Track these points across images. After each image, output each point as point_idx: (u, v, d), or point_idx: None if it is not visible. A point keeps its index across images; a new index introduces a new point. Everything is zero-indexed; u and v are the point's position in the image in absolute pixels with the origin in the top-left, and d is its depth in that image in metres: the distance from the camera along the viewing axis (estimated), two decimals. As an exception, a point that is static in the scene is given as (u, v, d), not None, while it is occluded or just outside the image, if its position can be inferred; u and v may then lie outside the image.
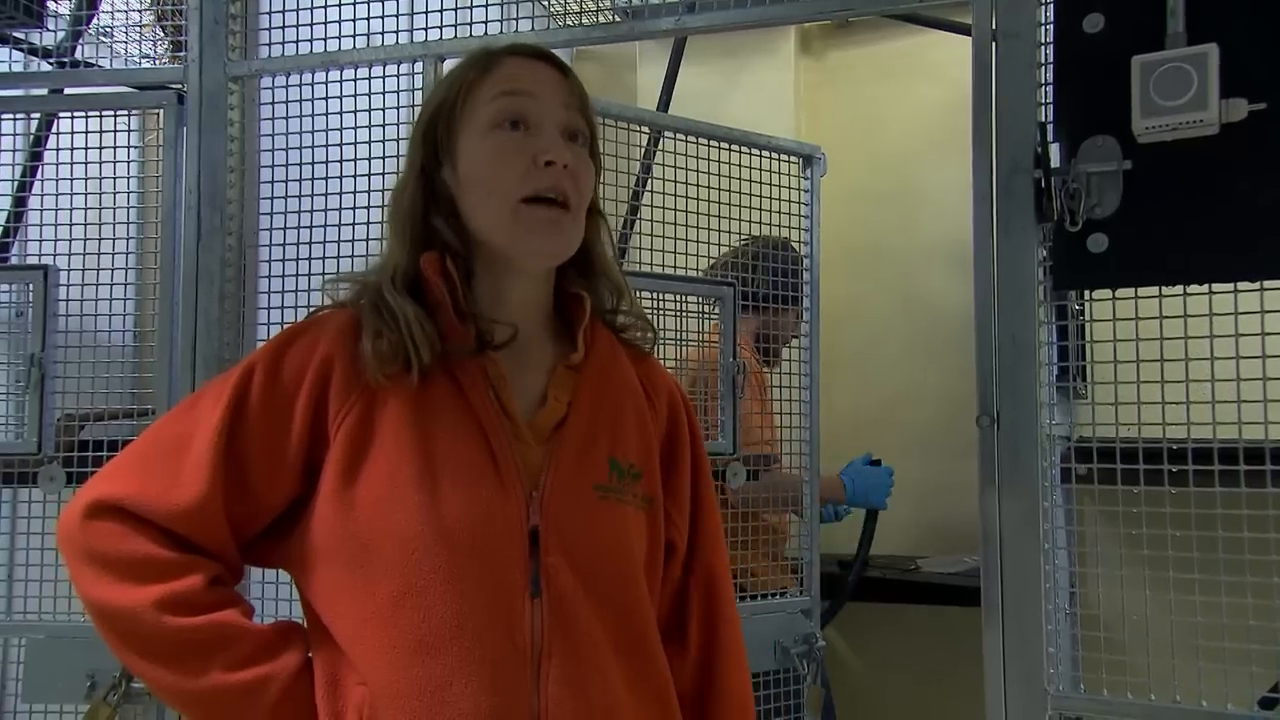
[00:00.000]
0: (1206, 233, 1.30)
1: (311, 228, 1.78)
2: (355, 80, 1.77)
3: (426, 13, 1.75)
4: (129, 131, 1.84)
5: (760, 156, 2.06)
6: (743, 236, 2.03)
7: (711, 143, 2.00)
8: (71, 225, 1.78)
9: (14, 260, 1.94)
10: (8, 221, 1.95)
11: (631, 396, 1.09)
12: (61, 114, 1.86)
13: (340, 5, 1.78)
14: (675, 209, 1.95)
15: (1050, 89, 1.40)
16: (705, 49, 2.92)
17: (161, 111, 1.80)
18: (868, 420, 2.94)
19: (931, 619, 2.64)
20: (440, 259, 1.02)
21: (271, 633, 0.98)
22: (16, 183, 1.94)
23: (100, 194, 1.79)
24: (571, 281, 1.09)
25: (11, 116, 1.91)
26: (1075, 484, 1.43)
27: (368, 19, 1.77)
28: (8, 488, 1.87)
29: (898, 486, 2.38)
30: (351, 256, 1.73)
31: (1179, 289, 1.31)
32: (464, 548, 0.94)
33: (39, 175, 1.93)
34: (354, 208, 1.75)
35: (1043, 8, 1.41)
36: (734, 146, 2.02)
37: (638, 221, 2.02)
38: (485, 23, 1.74)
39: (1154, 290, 1.33)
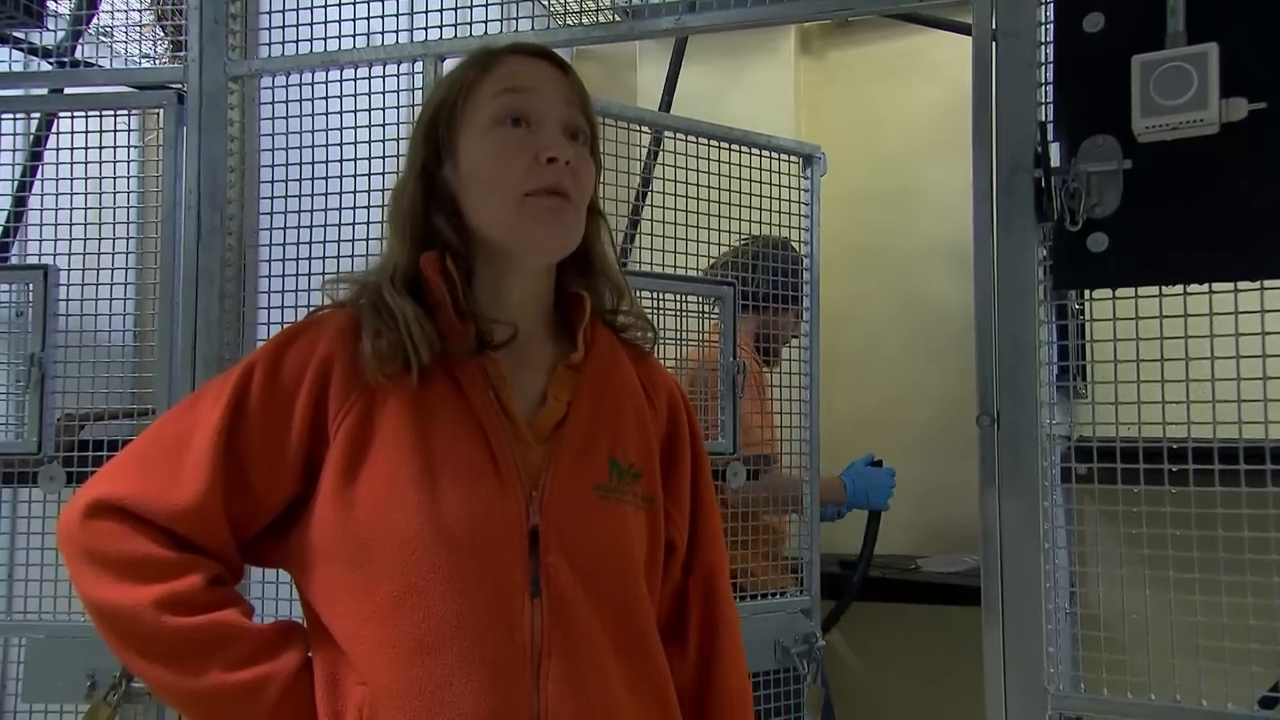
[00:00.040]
0: (1207, 232, 1.30)
1: (311, 227, 1.78)
2: (355, 80, 1.77)
3: (426, 12, 1.75)
4: (129, 131, 1.84)
5: (760, 156, 2.06)
6: (743, 236, 2.03)
7: (711, 142, 1.99)
8: (71, 225, 1.78)
9: (14, 260, 1.94)
10: (8, 221, 1.95)
11: (631, 396, 1.09)
12: (61, 114, 1.86)
13: (340, 5, 1.78)
14: (675, 208, 1.95)
15: (1050, 88, 1.40)
16: (705, 48, 2.91)
17: (161, 111, 1.80)
18: (868, 420, 2.93)
19: (931, 619, 2.64)
20: (440, 258, 1.02)
21: (271, 632, 0.98)
22: (16, 182, 1.94)
23: (100, 194, 1.79)
24: (571, 281, 1.09)
25: (11, 116, 1.91)
26: (1075, 483, 1.43)
27: (368, 19, 1.77)
28: (8, 488, 1.87)
29: (898, 486, 2.38)
30: (351, 256, 1.73)
31: (1179, 288, 1.31)
32: (464, 547, 0.94)
33: (39, 175, 1.93)
34: (354, 208, 1.75)
35: (1043, 7, 1.41)
36: (734, 146, 2.02)
37: (641, 222, 2.02)
38: (485, 22, 1.74)
39: (1154, 290, 1.33)
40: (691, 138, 1.98)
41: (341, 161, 1.77)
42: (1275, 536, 1.27)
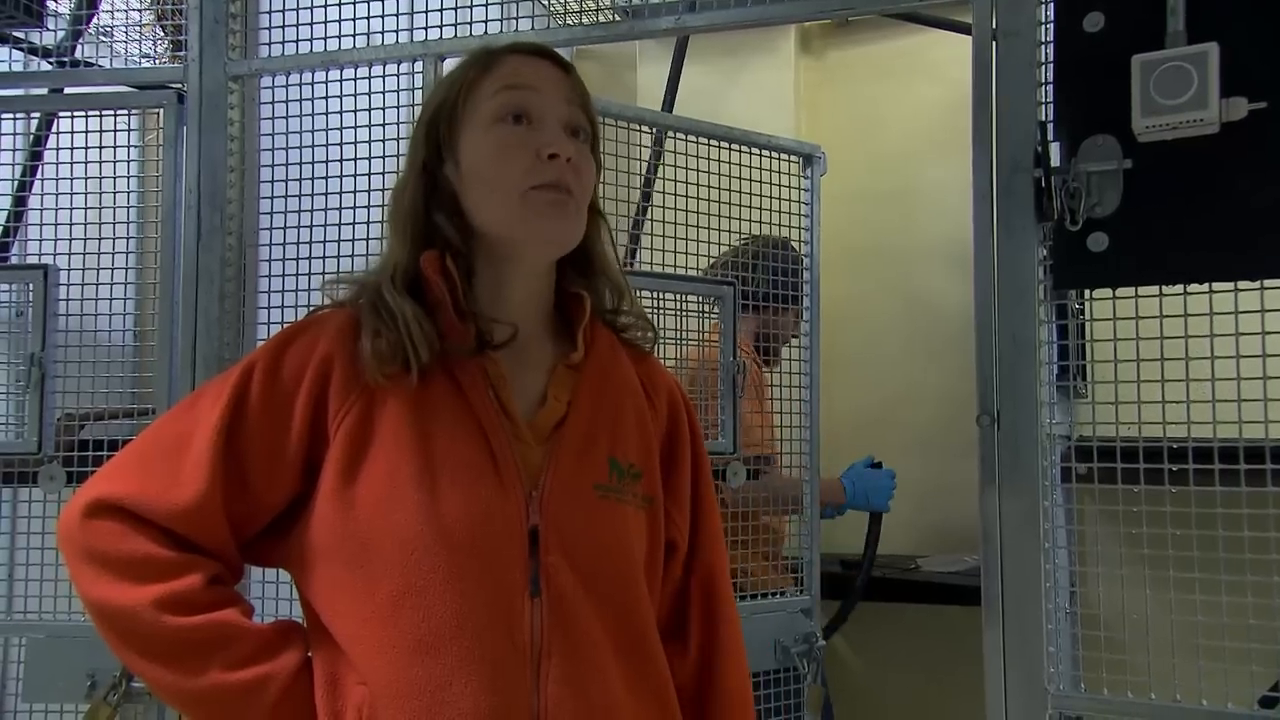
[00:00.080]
0: (1207, 232, 1.30)
1: (311, 227, 1.78)
2: (355, 80, 1.77)
3: (426, 12, 1.75)
4: (129, 131, 1.84)
5: (760, 156, 2.06)
6: (742, 236, 2.03)
7: (711, 142, 2.00)
8: (71, 225, 1.79)
9: (14, 260, 1.94)
10: (8, 221, 1.95)
11: (631, 396, 1.09)
12: (61, 113, 1.86)
13: (340, 5, 1.78)
14: (675, 208, 1.95)
15: (1050, 88, 1.40)
16: (705, 48, 2.91)
17: (161, 111, 1.80)
18: (868, 420, 2.93)
19: (931, 618, 2.64)
20: (440, 258, 1.01)
21: (271, 632, 0.98)
22: (16, 182, 1.94)
23: (100, 194, 1.79)
24: (571, 281, 1.09)
25: (11, 116, 1.91)
26: (1075, 483, 1.43)
27: (367, 18, 1.77)
28: (8, 487, 1.87)
29: (898, 486, 2.37)
30: (351, 256, 1.73)
31: (1179, 288, 1.31)
32: (463, 547, 0.94)
33: (39, 175, 1.93)
34: (354, 207, 1.75)
35: (1043, 7, 1.42)
36: (734, 146, 2.02)
37: (647, 222, 2.02)
38: (485, 22, 1.74)
39: (1154, 289, 1.33)
40: (691, 137, 1.98)
41: (341, 161, 1.77)
42: (1275, 536, 1.27)
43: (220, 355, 1.75)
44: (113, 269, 1.78)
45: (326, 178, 1.78)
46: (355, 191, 1.75)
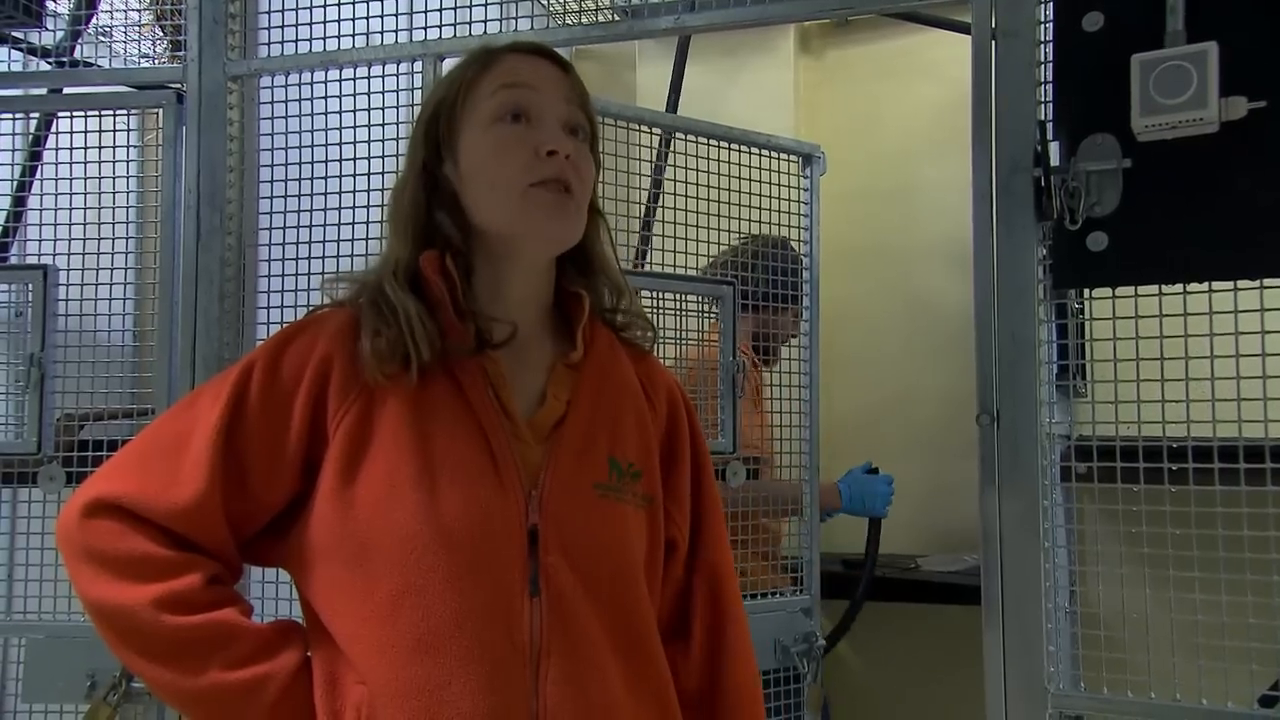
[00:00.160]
0: (1206, 231, 1.30)
1: (311, 227, 1.78)
2: (354, 79, 1.77)
3: (426, 12, 1.75)
4: (128, 131, 1.84)
5: (760, 155, 2.06)
6: (741, 235, 2.03)
7: (711, 141, 1.99)
8: (71, 225, 1.79)
9: (14, 260, 1.94)
10: (7, 221, 1.95)
11: (631, 395, 1.09)
12: (60, 113, 1.86)
13: (339, 4, 1.78)
14: (674, 208, 1.95)
15: (1050, 87, 1.40)
16: (705, 48, 2.91)
17: (161, 111, 1.80)
18: (867, 420, 2.93)
19: (931, 618, 2.64)
20: (440, 257, 1.01)
21: (270, 631, 0.98)
22: (16, 182, 1.94)
23: (100, 194, 1.79)
24: (571, 280, 1.09)
25: (10, 116, 1.92)
26: (1075, 482, 1.43)
27: (366, 18, 1.77)
28: (8, 488, 1.87)
29: (898, 487, 2.37)
30: (351, 256, 1.73)
31: (1179, 287, 1.31)
32: (463, 547, 0.94)
33: (38, 175, 1.93)
34: (353, 207, 1.75)
35: (1042, 6, 1.42)
36: (733, 145, 2.02)
37: (655, 223, 2.02)
38: (485, 21, 1.74)
39: (1154, 288, 1.33)
40: (691, 137, 1.98)
41: (341, 161, 1.76)
42: (1275, 535, 1.27)
43: (220, 355, 1.75)
44: (112, 269, 1.78)
45: (326, 178, 1.78)
46: (355, 191, 1.75)
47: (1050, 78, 1.40)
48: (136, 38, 2.12)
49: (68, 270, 1.77)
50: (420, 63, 1.75)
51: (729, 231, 2.00)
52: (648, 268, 1.91)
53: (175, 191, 1.77)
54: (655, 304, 1.91)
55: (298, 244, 1.78)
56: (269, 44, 1.81)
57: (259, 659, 0.95)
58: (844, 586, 2.41)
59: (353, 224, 1.75)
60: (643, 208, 2.12)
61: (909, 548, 2.77)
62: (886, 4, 2.15)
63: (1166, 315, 1.31)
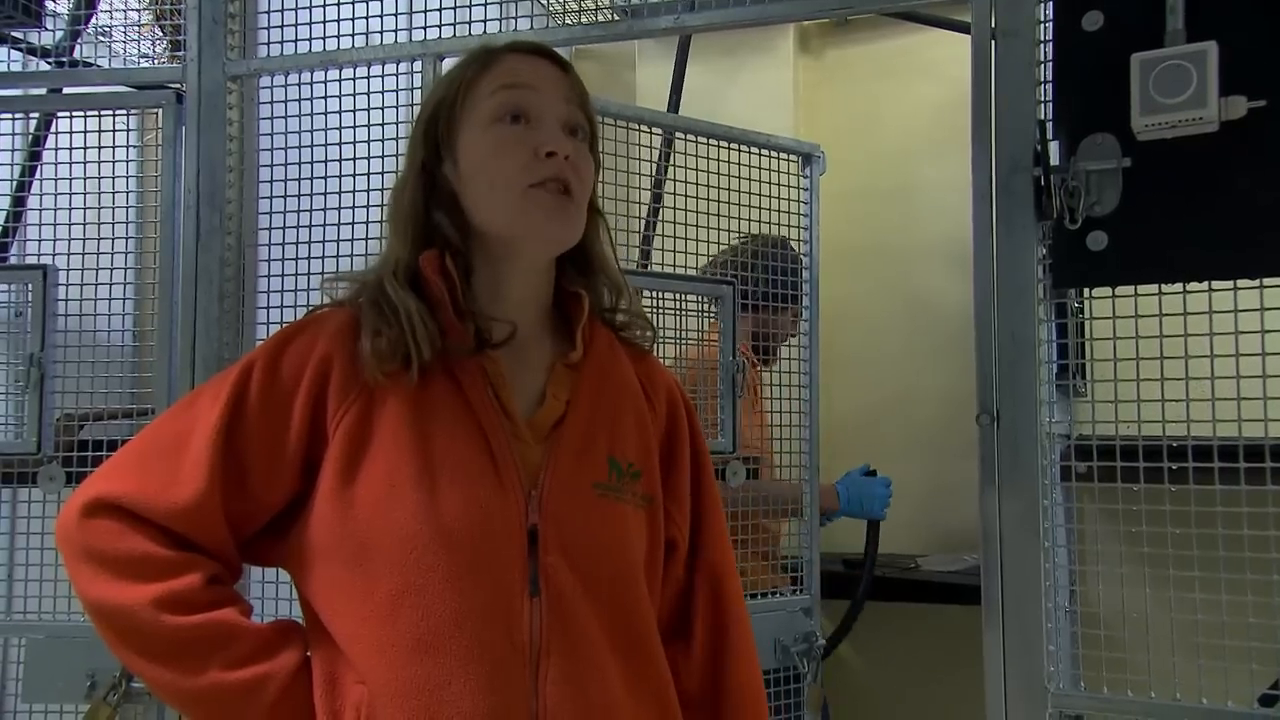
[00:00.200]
0: (1206, 230, 1.30)
1: (310, 227, 1.78)
2: (354, 79, 1.77)
3: (425, 11, 1.75)
4: (128, 131, 1.84)
5: (759, 155, 2.06)
6: (740, 235, 2.03)
7: (710, 141, 1.99)
8: (70, 225, 1.79)
9: (13, 260, 1.94)
10: (7, 221, 1.95)
11: (630, 395, 1.09)
12: (60, 113, 1.86)
13: (339, 4, 1.78)
14: (674, 207, 1.95)
15: (1050, 87, 1.40)
16: (704, 47, 2.91)
17: (160, 111, 1.80)
18: (867, 420, 2.93)
19: (931, 618, 2.64)
20: (440, 257, 1.01)
21: (270, 631, 0.98)
22: (15, 182, 1.94)
23: (99, 194, 1.79)
24: (570, 280, 1.09)
25: (10, 116, 1.92)
26: (1075, 482, 1.43)
27: (366, 18, 1.77)
28: (7, 488, 1.87)
29: (898, 486, 2.37)
30: (350, 256, 1.73)
31: (1178, 286, 1.31)
32: (463, 547, 0.94)
33: (38, 175, 1.93)
34: (353, 207, 1.75)
35: (1042, 5, 1.42)
36: (733, 145, 2.02)
37: (658, 223, 2.02)
38: (484, 21, 1.74)
39: (1153, 288, 1.33)
40: (690, 137, 1.98)
41: (340, 161, 1.77)
42: (1275, 534, 1.27)
43: (220, 355, 1.75)
44: (112, 269, 1.78)
45: (325, 178, 1.78)
46: (354, 191, 1.75)
47: (1050, 77, 1.40)
48: (136, 38, 2.12)
49: (67, 270, 1.77)
50: (420, 63, 1.75)
51: (729, 231, 2.00)
52: (649, 267, 1.90)
53: (175, 191, 1.77)
54: (655, 304, 1.91)
55: (297, 244, 1.78)
56: (268, 44, 1.81)
57: (259, 659, 0.95)
58: (844, 586, 2.41)
59: (352, 224, 1.75)
60: (643, 208, 2.11)
61: (909, 548, 2.77)
62: (886, 4, 2.14)
63: (1166, 315, 1.31)
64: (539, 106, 1.02)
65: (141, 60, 2.14)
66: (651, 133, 2.02)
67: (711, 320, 2.02)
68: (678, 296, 1.96)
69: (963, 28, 1.79)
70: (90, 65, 2.05)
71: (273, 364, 1.00)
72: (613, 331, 1.12)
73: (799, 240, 2.14)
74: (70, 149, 1.81)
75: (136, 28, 2.12)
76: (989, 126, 1.42)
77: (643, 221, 2.21)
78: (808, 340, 2.16)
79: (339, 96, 1.78)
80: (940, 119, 2.88)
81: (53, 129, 1.91)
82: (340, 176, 1.76)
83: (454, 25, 1.74)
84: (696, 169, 1.97)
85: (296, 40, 1.79)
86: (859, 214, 2.94)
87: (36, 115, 1.97)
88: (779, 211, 2.07)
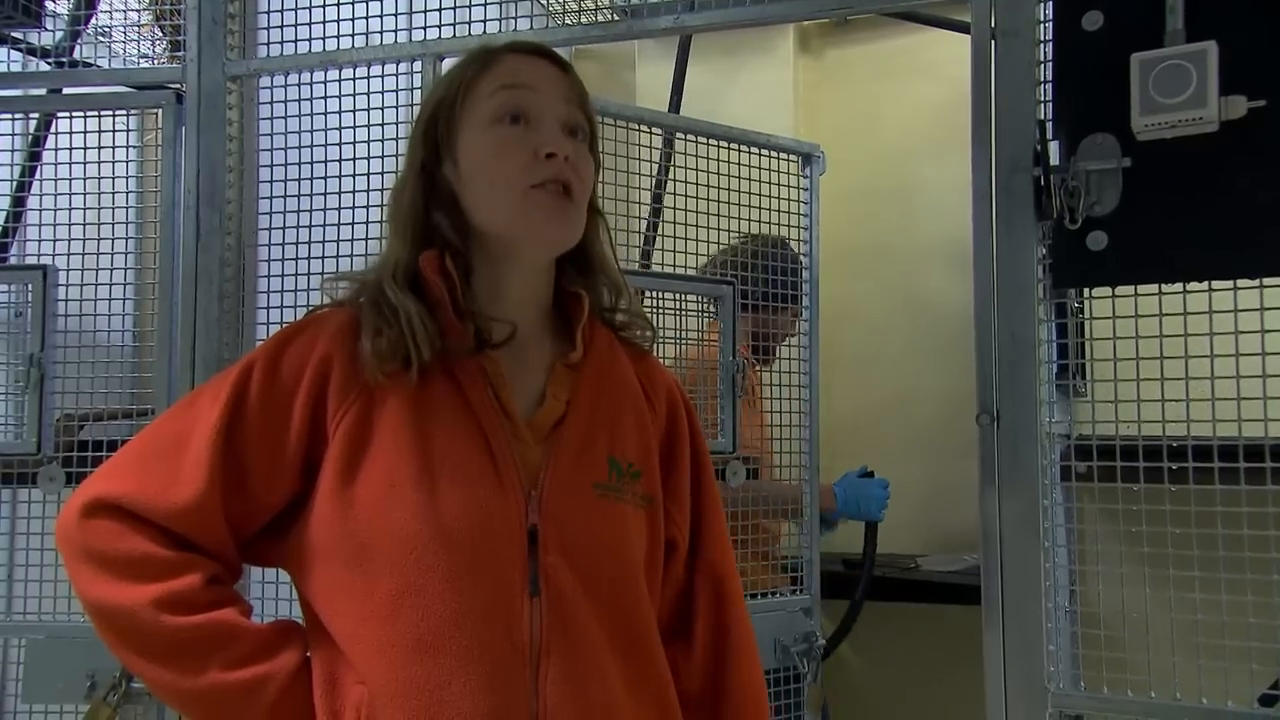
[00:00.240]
0: (1206, 230, 1.30)
1: (310, 227, 1.78)
2: (354, 80, 1.77)
3: (425, 11, 1.75)
4: (128, 131, 1.84)
5: (759, 155, 2.06)
6: (740, 235, 2.03)
7: (710, 141, 1.99)
8: (70, 225, 1.79)
9: (13, 260, 1.94)
10: (7, 221, 1.96)
11: (630, 395, 1.09)
12: (60, 114, 1.87)
13: (339, 4, 1.78)
14: (674, 207, 1.95)
15: (1049, 87, 1.40)
16: (704, 47, 2.91)
17: (160, 111, 1.80)
18: (867, 420, 2.93)
19: (931, 618, 2.64)
20: (439, 257, 1.01)
21: (270, 632, 0.98)
22: (15, 183, 1.94)
23: (99, 194, 1.79)
24: (570, 280, 1.09)
25: (10, 116, 1.92)
26: (1075, 482, 1.43)
27: (366, 18, 1.77)
28: (7, 488, 1.87)
29: (898, 486, 2.36)
30: (350, 256, 1.73)
31: (1178, 286, 1.31)
32: (463, 547, 0.94)
33: (38, 175, 1.93)
34: (353, 207, 1.75)
35: (1042, 5, 1.42)
36: (733, 145, 2.02)
37: (659, 223, 2.02)
38: (484, 21, 1.74)
39: (1153, 288, 1.33)
40: (690, 137, 1.98)
41: (340, 161, 1.77)
42: (1275, 534, 1.27)
43: (219, 355, 1.75)
44: (112, 269, 1.78)
45: (325, 178, 1.78)
46: (354, 192, 1.75)
47: (1050, 77, 1.40)
48: (136, 38, 2.12)
49: (67, 270, 1.77)
50: (420, 63, 1.75)
51: (729, 231, 2.00)
52: (649, 267, 1.90)
53: (175, 192, 1.77)
54: (655, 304, 1.91)
55: (297, 244, 1.78)
56: (268, 44, 1.81)
57: (258, 659, 0.95)
58: (844, 586, 2.41)
59: (352, 224, 1.75)
60: (643, 208, 2.12)
61: (909, 548, 2.77)
62: (886, 4, 2.15)
63: (1166, 315, 1.31)
64: (539, 107, 1.02)
65: (141, 60, 2.14)
66: (651, 133, 2.02)
67: (711, 320, 2.02)
68: (678, 296, 1.96)
69: (963, 28, 1.78)
70: (90, 65, 2.05)
71: (273, 364, 1.00)
72: (613, 331, 1.12)
73: (799, 240, 2.14)
74: (70, 149, 1.81)
75: (136, 28, 2.12)
76: (989, 126, 1.42)
77: (643, 221, 2.20)
78: (807, 340, 2.16)
79: (339, 96, 1.78)
80: (940, 119, 2.88)
81: (53, 129, 1.91)
82: (340, 176, 1.76)
83: (454, 25, 1.74)
84: (696, 169, 1.97)
85: (296, 40, 1.79)
86: (859, 214, 2.94)
87: (36, 115, 1.97)
88: (779, 211, 2.07)
